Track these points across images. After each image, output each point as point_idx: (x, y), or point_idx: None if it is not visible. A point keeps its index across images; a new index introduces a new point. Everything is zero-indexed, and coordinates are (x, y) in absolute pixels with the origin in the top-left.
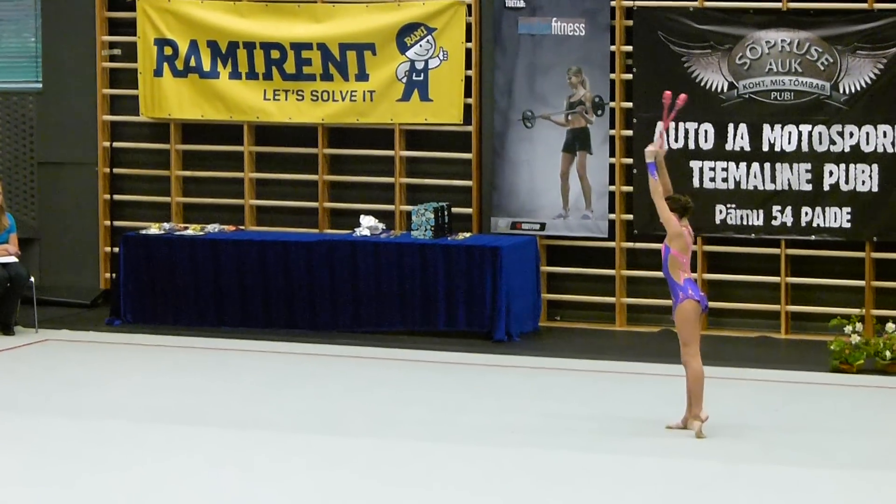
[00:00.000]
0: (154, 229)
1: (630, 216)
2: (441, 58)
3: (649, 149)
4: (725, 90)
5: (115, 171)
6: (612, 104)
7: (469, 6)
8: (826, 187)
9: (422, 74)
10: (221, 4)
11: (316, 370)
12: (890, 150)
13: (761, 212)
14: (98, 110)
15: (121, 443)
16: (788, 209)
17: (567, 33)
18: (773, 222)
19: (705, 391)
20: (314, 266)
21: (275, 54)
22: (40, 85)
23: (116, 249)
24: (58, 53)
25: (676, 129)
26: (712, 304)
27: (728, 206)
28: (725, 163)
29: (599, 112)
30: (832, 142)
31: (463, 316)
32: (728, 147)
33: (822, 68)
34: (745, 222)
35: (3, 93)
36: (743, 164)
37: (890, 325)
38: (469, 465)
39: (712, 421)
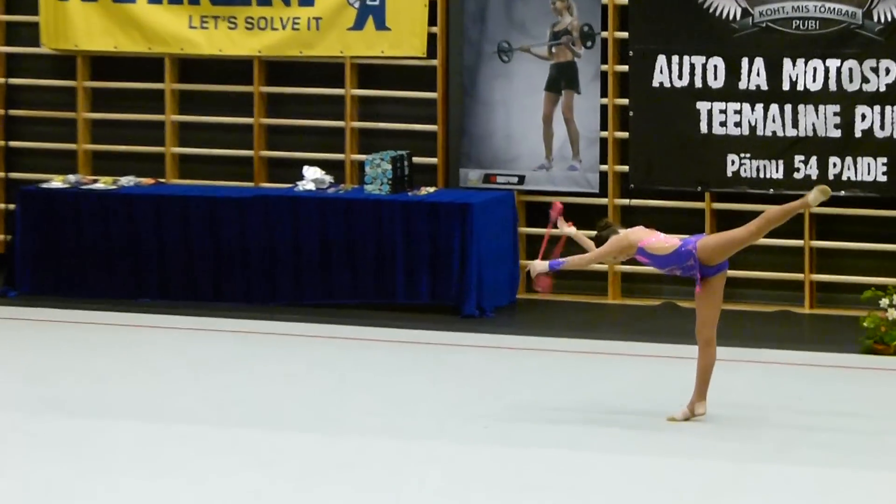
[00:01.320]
0: (57, 182)
1: (625, 168)
2: None
3: (536, 268)
4: (738, 18)
5: (11, 112)
6: (604, 34)
7: None
8: (858, 134)
9: None
10: None
11: (249, 352)
12: None
13: (781, 162)
14: None
15: (5, 439)
16: (813, 159)
17: None
18: (796, 175)
19: (712, 378)
20: (248, 227)
21: None
22: None
23: (12, 206)
24: None
25: (680, 64)
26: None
27: (742, 155)
28: (739, 104)
29: (589, 43)
30: (865, 79)
31: (426, 286)
32: (742, 86)
33: None
34: (762, 175)
35: None
36: (759, 106)
37: None
38: (429, 465)
39: (722, 413)
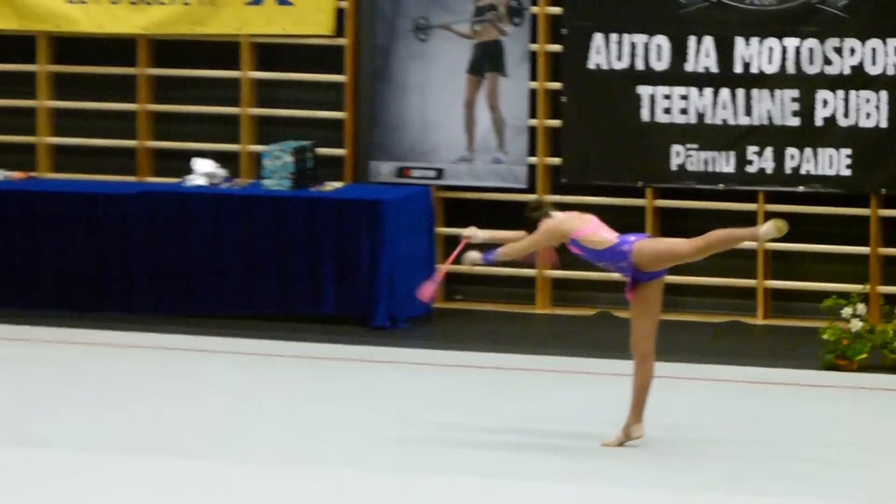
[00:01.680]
0: None
1: (557, 160)
2: None
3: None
4: None
5: None
6: (534, 9)
7: None
8: (819, 122)
9: None
10: None
11: (132, 368)
12: None
13: (732, 154)
14: None
15: None
16: (769, 151)
17: None
18: (749, 168)
19: (651, 396)
20: (131, 227)
21: None
22: None
23: None
24: None
25: (620, 44)
26: (666, 280)
27: (688, 146)
28: (685, 89)
29: (517, 20)
30: (827, 61)
31: (331, 294)
32: (689, 68)
33: None
34: (710, 168)
35: None
36: (708, 91)
37: None
38: (337, 496)
39: (663, 437)
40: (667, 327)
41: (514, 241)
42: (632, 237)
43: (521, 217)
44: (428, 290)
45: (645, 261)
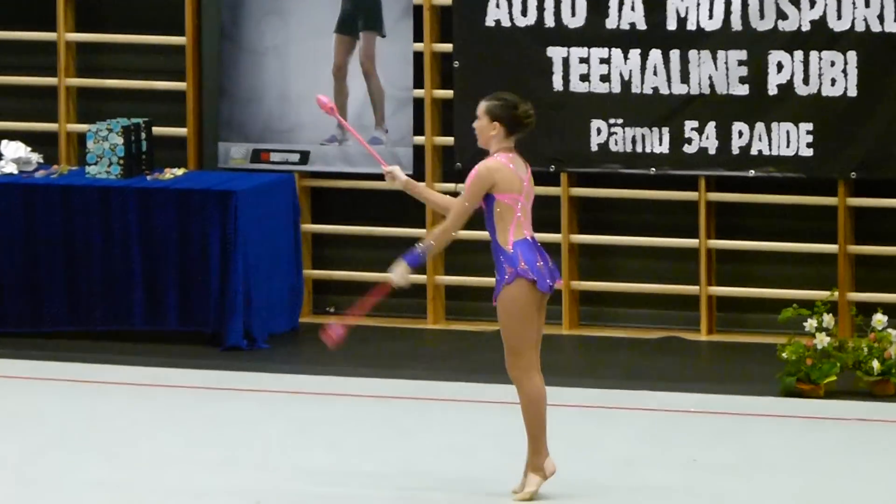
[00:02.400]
0: None
1: (449, 140)
2: None
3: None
4: None
5: None
6: None
7: None
8: (772, 90)
9: None
10: None
11: None
12: (876, 27)
13: (666, 131)
14: None
15: None
16: (711, 126)
17: None
18: (687, 148)
19: (563, 428)
20: None
21: None
22: None
23: None
24: None
25: None
26: (586, 286)
27: (612, 122)
28: (606, 50)
29: None
30: (781, 14)
31: (173, 307)
32: (610, 24)
33: None
34: (639, 149)
35: None
36: (635, 53)
37: (879, 317)
38: None
39: (589, 479)
40: (593, 345)
41: (443, 215)
42: (522, 260)
43: (406, 211)
44: (335, 333)
45: (500, 307)
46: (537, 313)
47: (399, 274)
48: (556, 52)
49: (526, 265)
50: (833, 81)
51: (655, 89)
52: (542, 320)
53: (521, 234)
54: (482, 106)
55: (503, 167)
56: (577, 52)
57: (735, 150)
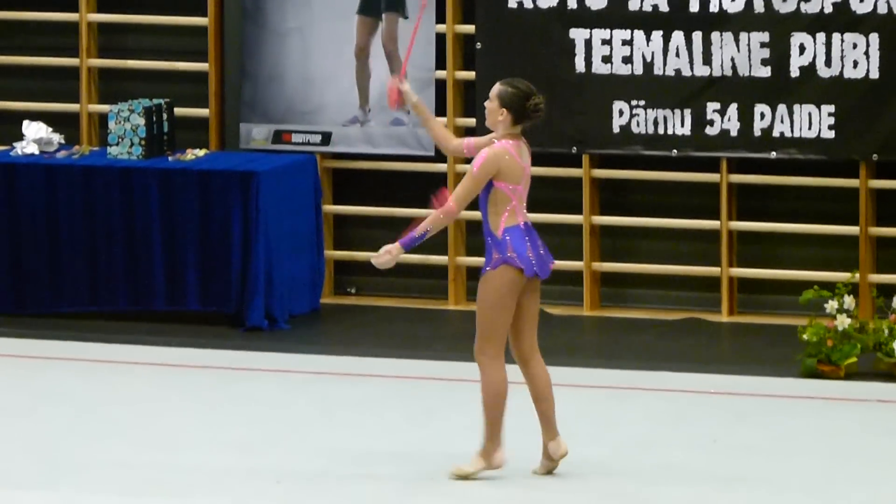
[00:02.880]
0: None
1: (471, 121)
2: None
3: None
4: None
5: None
6: None
7: None
8: (794, 72)
9: None
10: None
11: None
12: None
13: (688, 113)
14: None
15: None
16: (733, 108)
17: None
18: (709, 130)
19: (584, 409)
20: None
21: None
22: None
23: None
24: None
25: None
26: (607, 267)
27: (634, 104)
28: (628, 32)
29: None
30: None
31: (194, 288)
32: (633, 6)
33: None
34: (660, 130)
35: None
36: (657, 35)
37: None
38: None
39: (610, 459)
40: (613, 326)
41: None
42: (510, 248)
43: (427, 192)
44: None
45: (480, 290)
46: (526, 299)
47: (389, 256)
48: (578, 34)
49: (514, 253)
50: (855, 63)
51: (678, 71)
52: (536, 305)
53: (513, 221)
54: (495, 89)
55: (509, 155)
56: (600, 33)
57: (757, 132)
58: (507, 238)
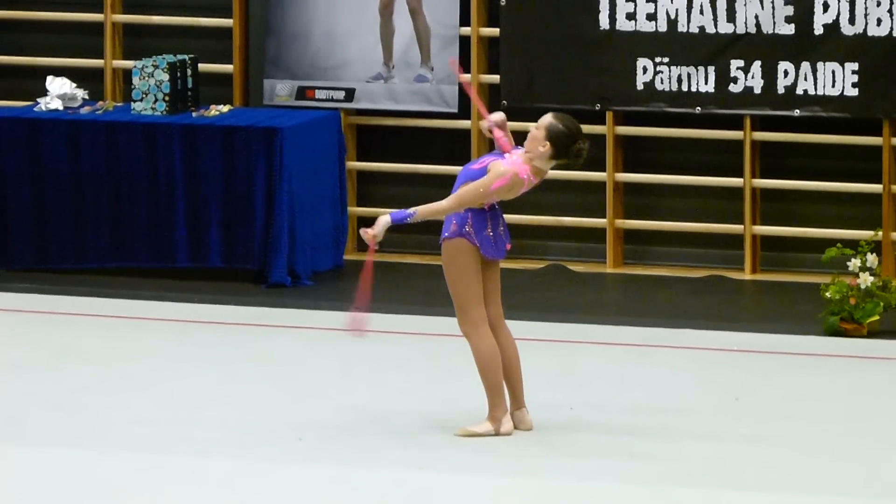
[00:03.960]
0: None
1: (495, 78)
2: None
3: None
4: None
5: None
6: None
7: None
8: (818, 29)
9: None
10: None
11: None
12: None
13: (711, 70)
14: None
15: None
16: (756, 66)
17: None
18: (733, 88)
19: (607, 367)
20: None
21: None
22: None
23: None
24: None
25: None
26: (630, 224)
27: (658, 60)
28: None
29: None
30: None
31: (217, 244)
32: None
33: None
34: (685, 87)
35: None
36: None
37: None
38: (223, 492)
39: (630, 420)
40: (636, 284)
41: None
42: (468, 223)
43: (451, 148)
44: (358, 324)
45: (443, 258)
46: (487, 271)
47: (379, 228)
48: None
49: (471, 229)
50: (879, 21)
51: (701, 28)
52: (496, 276)
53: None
54: (546, 120)
55: (522, 186)
56: None
57: (780, 90)
58: (468, 214)
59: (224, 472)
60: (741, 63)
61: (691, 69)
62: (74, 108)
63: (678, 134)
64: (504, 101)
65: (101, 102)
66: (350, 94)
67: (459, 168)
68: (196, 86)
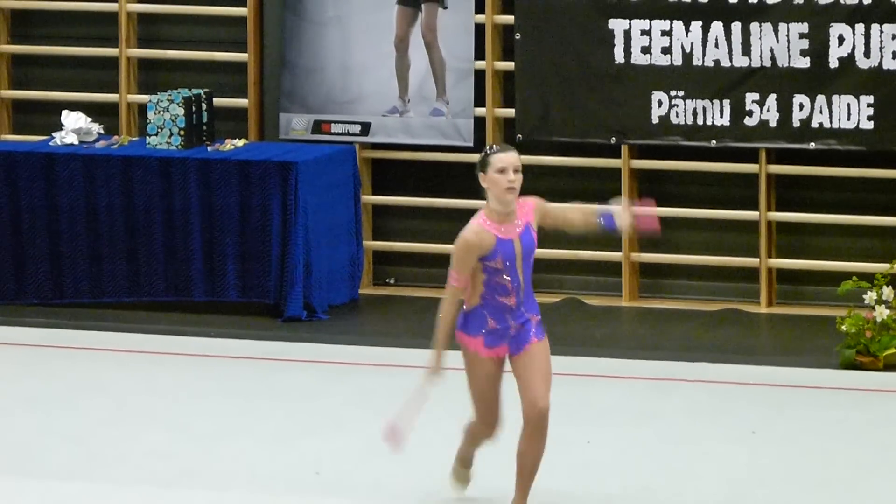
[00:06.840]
0: None
1: (510, 111)
2: None
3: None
4: None
5: None
6: None
7: None
8: (833, 63)
9: None
10: None
11: None
12: None
13: (727, 104)
14: None
15: None
16: (772, 99)
17: None
18: (748, 121)
19: (623, 401)
20: None
21: None
22: None
23: None
24: None
25: None
26: (646, 258)
27: (673, 94)
28: (667, 22)
29: None
30: None
31: (233, 278)
32: None
33: None
34: (700, 121)
35: None
36: (696, 26)
37: None
38: None
39: (648, 450)
40: (651, 317)
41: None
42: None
43: (469, 183)
44: (396, 436)
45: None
46: (519, 363)
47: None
48: (617, 24)
49: (466, 327)
50: (894, 55)
51: (717, 62)
52: (531, 368)
53: (474, 300)
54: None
55: (482, 236)
56: (639, 24)
57: (796, 123)
58: (466, 312)
59: None
60: (756, 96)
61: (706, 102)
62: (90, 143)
63: (693, 167)
64: (519, 136)
65: (116, 137)
66: (366, 128)
67: (475, 202)
68: (211, 120)
